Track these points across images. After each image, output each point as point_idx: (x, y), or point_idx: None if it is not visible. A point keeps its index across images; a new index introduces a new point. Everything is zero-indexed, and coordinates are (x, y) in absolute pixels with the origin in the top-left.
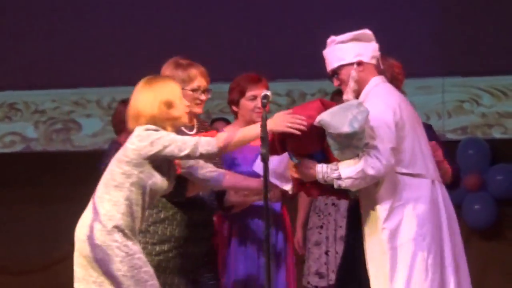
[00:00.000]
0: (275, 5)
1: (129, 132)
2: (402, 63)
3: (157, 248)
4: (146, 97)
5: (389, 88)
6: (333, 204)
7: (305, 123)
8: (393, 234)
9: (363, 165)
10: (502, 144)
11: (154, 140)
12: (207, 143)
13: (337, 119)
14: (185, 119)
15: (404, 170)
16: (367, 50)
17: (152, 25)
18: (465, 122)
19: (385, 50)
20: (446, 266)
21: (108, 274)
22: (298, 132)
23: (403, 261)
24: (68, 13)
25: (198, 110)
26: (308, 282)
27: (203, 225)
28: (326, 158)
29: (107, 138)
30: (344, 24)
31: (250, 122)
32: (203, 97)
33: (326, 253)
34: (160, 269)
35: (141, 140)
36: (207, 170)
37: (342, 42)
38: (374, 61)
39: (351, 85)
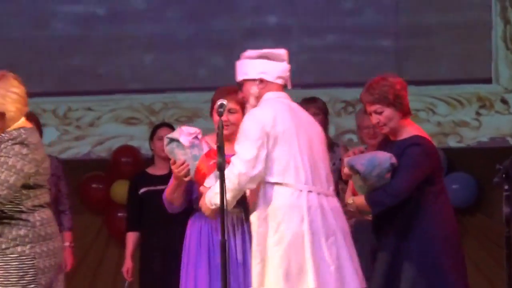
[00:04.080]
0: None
1: None
2: (356, 73)
3: None
4: None
5: (274, 101)
6: None
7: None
8: (260, 240)
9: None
10: (458, 153)
11: None
12: None
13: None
14: None
15: (272, 179)
16: (274, 70)
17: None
18: None
19: (342, 58)
20: (307, 271)
21: None
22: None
23: (266, 267)
24: (26, 21)
25: None
26: None
27: None
28: None
29: (63, 147)
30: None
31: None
32: None
33: None
34: None
35: None
36: None
37: (250, 57)
38: (280, 81)
39: (251, 101)
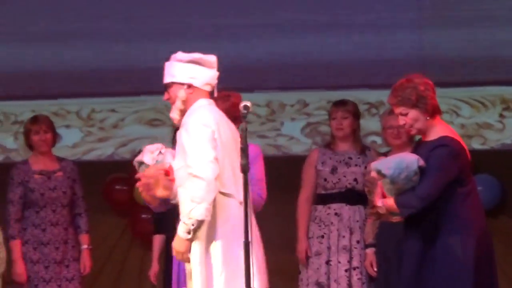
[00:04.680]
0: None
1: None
2: (382, 74)
3: None
4: None
5: (211, 109)
6: (335, 214)
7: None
8: (207, 249)
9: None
10: (482, 155)
11: None
12: None
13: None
14: None
15: (221, 189)
16: (203, 76)
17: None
18: None
19: (368, 57)
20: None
21: None
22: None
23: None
24: (49, 24)
25: None
26: None
27: None
28: None
29: (86, 149)
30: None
31: None
32: None
33: (327, 262)
34: None
35: None
36: None
37: (180, 60)
38: (207, 88)
39: (178, 104)
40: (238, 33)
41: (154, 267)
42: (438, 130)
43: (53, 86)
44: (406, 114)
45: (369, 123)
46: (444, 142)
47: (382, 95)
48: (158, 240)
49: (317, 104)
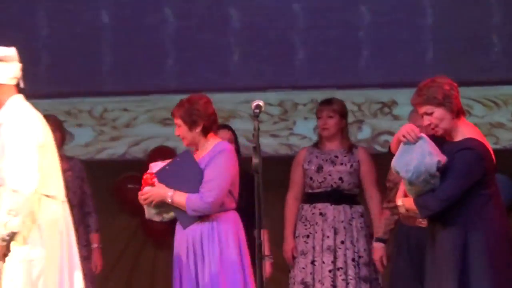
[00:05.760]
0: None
1: None
2: (392, 74)
3: None
4: None
5: (28, 108)
6: (320, 213)
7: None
8: (29, 249)
9: None
10: (494, 154)
11: None
12: None
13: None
14: None
15: (42, 191)
16: (6, 71)
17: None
18: None
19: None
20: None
21: None
22: None
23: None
24: (61, 24)
25: None
26: None
27: None
28: None
29: (99, 148)
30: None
31: None
32: None
33: (312, 262)
34: None
35: None
36: None
37: None
38: (13, 82)
39: None
40: None
41: None
42: (463, 131)
43: (66, 85)
44: (431, 113)
45: (382, 122)
46: (469, 145)
47: (395, 94)
48: None
49: None
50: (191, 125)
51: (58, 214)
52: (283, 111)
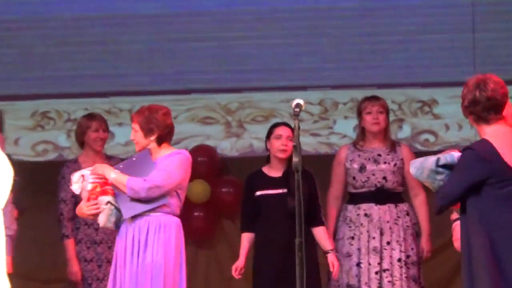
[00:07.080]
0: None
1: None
2: (435, 72)
3: None
4: None
5: None
6: (365, 214)
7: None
8: None
9: None
10: None
11: None
12: None
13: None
14: None
15: None
16: None
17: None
18: None
19: (419, 57)
20: None
21: None
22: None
23: None
24: (98, 23)
25: None
26: None
27: None
28: None
29: None
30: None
31: None
32: None
33: (358, 264)
34: None
35: None
36: None
37: None
38: None
39: None
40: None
41: (240, 262)
42: (486, 132)
43: (105, 84)
44: None
45: (422, 121)
46: (471, 146)
47: (435, 93)
48: (246, 237)
49: None
50: (147, 132)
51: None
52: (323, 110)
